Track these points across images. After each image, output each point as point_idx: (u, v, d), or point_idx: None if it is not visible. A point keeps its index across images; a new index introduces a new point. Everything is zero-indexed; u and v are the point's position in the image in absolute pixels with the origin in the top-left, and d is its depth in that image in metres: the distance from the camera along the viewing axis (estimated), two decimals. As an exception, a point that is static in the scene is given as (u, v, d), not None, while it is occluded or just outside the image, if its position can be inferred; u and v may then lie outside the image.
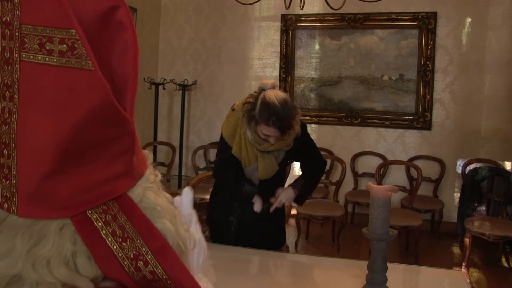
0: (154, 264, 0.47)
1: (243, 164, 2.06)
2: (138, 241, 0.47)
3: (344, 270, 1.83)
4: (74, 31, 0.43)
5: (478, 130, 4.79)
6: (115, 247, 0.46)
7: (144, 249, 0.47)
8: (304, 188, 2.17)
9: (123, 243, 0.46)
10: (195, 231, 0.83)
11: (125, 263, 0.46)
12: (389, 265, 1.41)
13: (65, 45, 0.43)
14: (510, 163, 4.65)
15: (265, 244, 2.07)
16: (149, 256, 0.47)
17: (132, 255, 0.46)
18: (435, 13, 4.81)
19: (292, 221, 4.83)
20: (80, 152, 0.45)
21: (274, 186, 2.13)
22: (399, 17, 4.92)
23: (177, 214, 0.53)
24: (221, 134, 2.10)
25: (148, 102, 5.52)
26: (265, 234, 2.13)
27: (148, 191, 0.51)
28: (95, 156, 0.46)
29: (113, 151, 0.47)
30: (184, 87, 5.44)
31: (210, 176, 2.34)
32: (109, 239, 0.46)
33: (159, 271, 0.47)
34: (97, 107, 0.44)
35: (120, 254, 0.46)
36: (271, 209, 2.07)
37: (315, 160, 2.25)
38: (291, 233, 4.56)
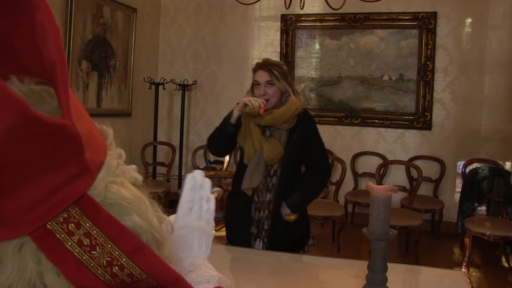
0: (131, 266, 0.43)
1: (247, 155, 2.08)
2: (109, 246, 0.43)
3: (344, 270, 1.83)
4: None
5: (478, 130, 4.79)
6: (84, 257, 0.42)
7: (116, 253, 0.43)
8: (296, 207, 2.11)
9: (93, 252, 0.42)
10: (205, 219, 0.79)
11: (99, 272, 0.42)
12: (389, 265, 1.41)
13: None
14: (510, 163, 4.65)
15: (292, 243, 2.12)
16: (124, 259, 0.43)
17: (105, 262, 0.42)
18: (435, 13, 4.81)
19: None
20: (18, 171, 0.39)
21: (291, 186, 2.11)
22: (399, 17, 4.92)
23: (146, 201, 0.48)
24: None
25: (148, 102, 5.51)
26: (292, 234, 2.13)
27: (111, 184, 0.45)
28: (39, 169, 0.40)
29: (57, 158, 0.41)
30: (184, 87, 5.44)
31: (211, 175, 2.34)
32: (76, 250, 0.42)
33: (137, 272, 0.44)
34: (16, 127, 0.38)
35: (91, 264, 0.42)
36: (292, 219, 2.10)
37: (320, 164, 2.19)
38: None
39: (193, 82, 5.58)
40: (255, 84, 2.09)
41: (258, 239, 2.10)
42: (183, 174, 5.52)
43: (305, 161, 2.21)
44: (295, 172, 2.17)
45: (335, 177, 4.88)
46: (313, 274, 1.87)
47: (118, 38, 4.98)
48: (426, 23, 4.84)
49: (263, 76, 2.05)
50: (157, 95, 5.43)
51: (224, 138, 2.10)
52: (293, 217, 2.09)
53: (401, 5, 4.91)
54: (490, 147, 4.75)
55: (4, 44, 0.41)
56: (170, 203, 4.62)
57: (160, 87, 5.43)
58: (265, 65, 2.06)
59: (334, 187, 4.49)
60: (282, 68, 2.08)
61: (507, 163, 4.65)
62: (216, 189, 3.26)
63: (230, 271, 1.79)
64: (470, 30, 4.77)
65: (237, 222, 2.15)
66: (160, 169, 5.40)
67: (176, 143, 5.41)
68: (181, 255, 0.75)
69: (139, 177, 0.50)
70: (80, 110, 0.46)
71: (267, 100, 2.02)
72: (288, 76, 2.13)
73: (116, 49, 4.96)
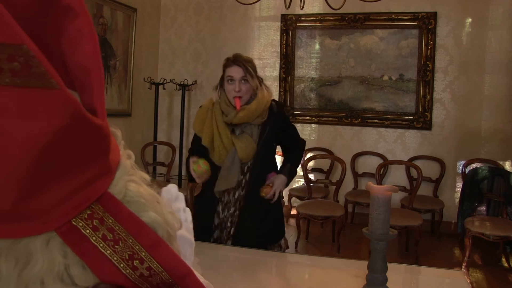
0: (150, 259, 0.46)
1: (219, 156, 2.04)
2: (130, 240, 0.46)
3: (344, 270, 1.83)
4: (25, 46, 0.37)
5: (478, 130, 4.79)
6: (108, 251, 0.44)
7: (137, 247, 0.46)
8: (291, 172, 2.18)
9: (116, 246, 0.45)
10: (187, 229, 0.82)
11: (122, 265, 0.45)
12: (389, 265, 1.41)
13: (16, 63, 0.38)
14: (510, 163, 4.65)
15: (262, 238, 2.06)
16: (144, 253, 0.46)
17: (127, 256, 0.45)
18: (435, 13, 4.81)
19: (292, 221, 4.84)
20: (54, 169, 0.42)
21: (263, 179, 2.11)
22: (399, 17, 4.92)
23: (160, 199, 0.52)
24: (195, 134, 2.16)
25: (148, 102, 5.51)
26: (263, 228, 2.09)
27: (130, 183, 0.49)
28: (71, 167, 0.43)
29: (90, 157, 0.44)
30: (184, 87, 5.44)
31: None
32: (101, 245, 0.44)
33: (155, 265, 0.46)
34: (67, 125, 0.40)
35: (115, 258, 0.45)
36: (273, 201, 2.08)
37: (296, 143, 2.28)
38: (291, 233, 4.56)
39: (193, 82, 5.58)
40: (228, 79, 2.04)
41: (221, 237, 2.09)
42: (183, 174, 5.52)
43: (281, 145, 2.28)
44: (269, 162, 2.17)
45: (335, 177, 4.88)
46: (313, 274, 1.87)
47: (118, 38, 4.98)
48: (426, 23, 4.84)
49: (238, 72, 2.01)
50: (157, 95, 5.43)
51: None
52: (268, 190, 2.05)
53: (401, 5, 4.91)
54: (490, 147, 4.75)
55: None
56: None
57: (160, 87, 5.43)
58: (239, 60, 2.03)
59: (334, 187, 4.49)
60: (253, 64, 2.08)
61: (507, 163, 4.65)
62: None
63: (220, 272, 1.79)
64: (470, 30, 4.77)
65: (202, 224, 2.10)
66: (160, 169, 5.40)
67: (176, 143, 5.41)
68: None
69: (147, 177, 0.52)
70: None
71: (240, 98, 2.01)
72: (256, 70, 2.12)
73: (116, 49, 4.96)
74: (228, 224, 2.08)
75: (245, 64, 2.02)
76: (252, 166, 2.08)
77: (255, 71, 2.07)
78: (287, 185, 2.17)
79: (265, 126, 2.07)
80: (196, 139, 2.14)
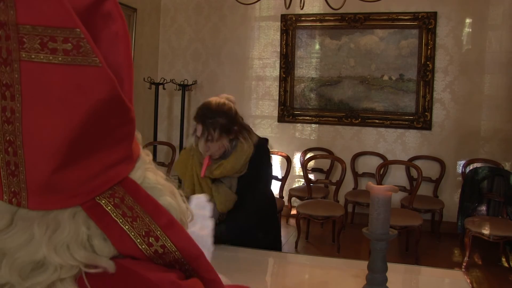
0: (164, 238, 0.50)
1: None
2: (147, 219, 0.50)
3: (344, 270, 1.83)
4: (79, 30, 0.44)
5: (478, 130, 4.79)
6: (127, 227, 0.49)
7: (153, 225, 0.50)
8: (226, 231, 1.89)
9: (134, 223, 0.50)
10: (207, 232, 0.87)
11: (138, 240, 0.50)
12: (389, 265, 1.41)
13: (69, 44, 0.44)
14: (510, 163, 4.65)
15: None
16: (159, 232, 0.50)
17: (143, 232, 0.50)
18: (435, 13, 4.81)
19: (292, 221, 4.84)
20: (87, 143, 0.47)
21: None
22: (399, 17, 4.92)
23: (175, 190, 0.57)
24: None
25: (148, 102, 5.51)
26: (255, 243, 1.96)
27: (148, 171, 0.55)
28: (101, 144, 0.48)
29: (116, 138, 0.50)
30: (184, 87, 5.44)
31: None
32: (120, 220, 0.49)
33: (169, 244, 0.51)
34: (105, 100, 0.46)
35: (132, 233, 0.49)
36: None
37: (248, 199, 1.93)
38: (291, 233, 4.56)
39: (193, 82, 5.58)
40: (195, 135, 1.90)
41: None
42: (183, 174, 5.52)
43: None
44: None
45: (335, 177, 4.88)
46: (313, 274, 1.87)
47: (118, 38, 4.97)
48: (426, 23, 4.83)
49: (200, 132, 1.84)
50: (157, 95, 5.43)
51: None
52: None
53: (401, 5, 4.91)
54: (490, 147, 4.75)
55: None
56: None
57: (160, 87, 5.43)
58: (202, 118, 1.84)
59: (334, 187, 4.49)
60: (222, 118, 1.83)
61: (507, 163, 4.65)
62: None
63: (219, 272, 1.79)
64: (470, 30, 4.77)
65: None
66: (160, 169, 5.39)
67: (176, 143, 5.41)
68: None
69: (163, 175, 0.58)
70: None
71: (210, 156, 1.86)
72: (235, 119, 1.88)
73: (116, 49, 4.95)
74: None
75: (208, 125, 1.81)
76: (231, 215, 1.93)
77: (224, 128, 1.83)
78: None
79: (245, 178, 1.92)
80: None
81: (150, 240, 0.50)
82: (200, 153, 1.92)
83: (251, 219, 1.96)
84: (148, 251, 0.50)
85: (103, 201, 0.49)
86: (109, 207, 0.49)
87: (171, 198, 0.55)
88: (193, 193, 1.90)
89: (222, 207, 1.91)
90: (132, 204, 0.50)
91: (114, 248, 0.50)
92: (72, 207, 0.48)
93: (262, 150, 1.97)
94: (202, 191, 1.89)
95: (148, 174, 0.55)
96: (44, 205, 0.47)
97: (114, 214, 0.49)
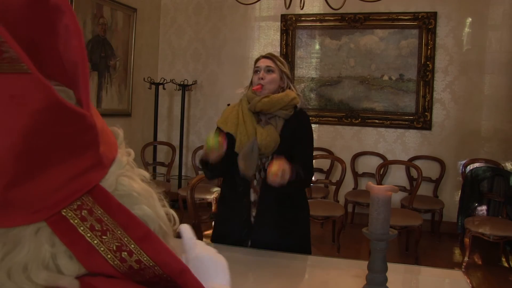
0: (139, 252, 0.46)
1: (240, 143, 1.92)
2: (119, 232, 0.46)
3: (344, 270, 1.83)
4: None
5: (478, 130, 4.80)
6: (95, 241, 0.45)
7: (126, 239, 0.46)
8: (296, 178, 1.85)
9: (103, 236, 0.45)
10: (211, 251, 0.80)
11: (109, 256, 0.45)
12: (389, 265, 1.41)
13: None
14: (510, 163, 4.65)
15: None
16: (133, 246, 0.46)
17: (114, 247, 0.45)
18: (435, 13, 4.81)
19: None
20: (39, 156, 0.43)
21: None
22: (399, 17, 4.92)
23: (154, 194, 0.52)
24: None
25: (148, 102, 5.52)
26: (284, 242, 1.95)
27: (122, 177, 0.49)
28: (58, 156, 0.44)
29: (75, 147, 0.45)
30: (184, 87, 5.44)
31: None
32: (88, 234, 0.45)
33: (145, 259, 0.46)
34: (43, 110, 0.41)
35: (102, 248, 0.45)
36: (277, 183, 1.75)
37: (303, 162, 1.97)
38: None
39: (193, 82, 5.58)
40: (255, 70, 2.06)
41: (247, 239, 1.98)
42: (183, 174, 5.52)
43: (292, 162, 1.88)
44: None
45: (335, 177, 4.88)
46: (313, 274, 1.87)
47: (118, 38, 4.98)
48: (426, 23, 4.84)
49: (264, 62, 2.04)
50: (157, 95, 5.43)
51: (217, 167, 1.92)
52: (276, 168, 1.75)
53: (401, 5, 4.91)
54: (490, 147, 4.75)
55: (32, 49, 0.44)
56: (170, 203, 4.62)
57: (160, 87, 5.43)
58: (269, 54, 2.09)
59: (334, 187, 4.49)
60: (284, 62, 2.09)
61: (507, 163, 4.65)
62: (216, 189, 3.26)
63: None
64: (470, 30, 4.77)
65: (228, 223, 2.01)
66: (160, 169, 5.40)
67: (176, 143, 5.42)
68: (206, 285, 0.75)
69: (147, 175, 0.53)
70: (95, 110, 0.49)
71: (262, 86, 1.99)
72: (289, 73, 2.12)
73: (116, 49, 4.96)
74: (243, 236, 1.97)
75: (273, 57, 2.05)
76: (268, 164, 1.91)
77: (285, 66, 2.08)
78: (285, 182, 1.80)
79: (288, 123, 1.99)
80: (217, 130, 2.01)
81: (123, 255, 0.45)
82: (249, 92, 2.05)
83: (308, 175, 2.01)
84: (121, 268, 0.45)
85: (70, 214, 0.44)
86: (75, 221, 0.44)
87: (148, 206, 0.49)
88: (235, 133, 1.96)
89: (263, 143, 1.92)
90: (102, 215, 0.45)
91: (81, 266, 0.45)
92: (36, 223, 0.44)
93: (307, 115, 2.13)
94: (245, 128, 1.95)
95: (123, 180, 0.49)
96: (3, 223, 0.43)
97: (81, 228, 0.44)
